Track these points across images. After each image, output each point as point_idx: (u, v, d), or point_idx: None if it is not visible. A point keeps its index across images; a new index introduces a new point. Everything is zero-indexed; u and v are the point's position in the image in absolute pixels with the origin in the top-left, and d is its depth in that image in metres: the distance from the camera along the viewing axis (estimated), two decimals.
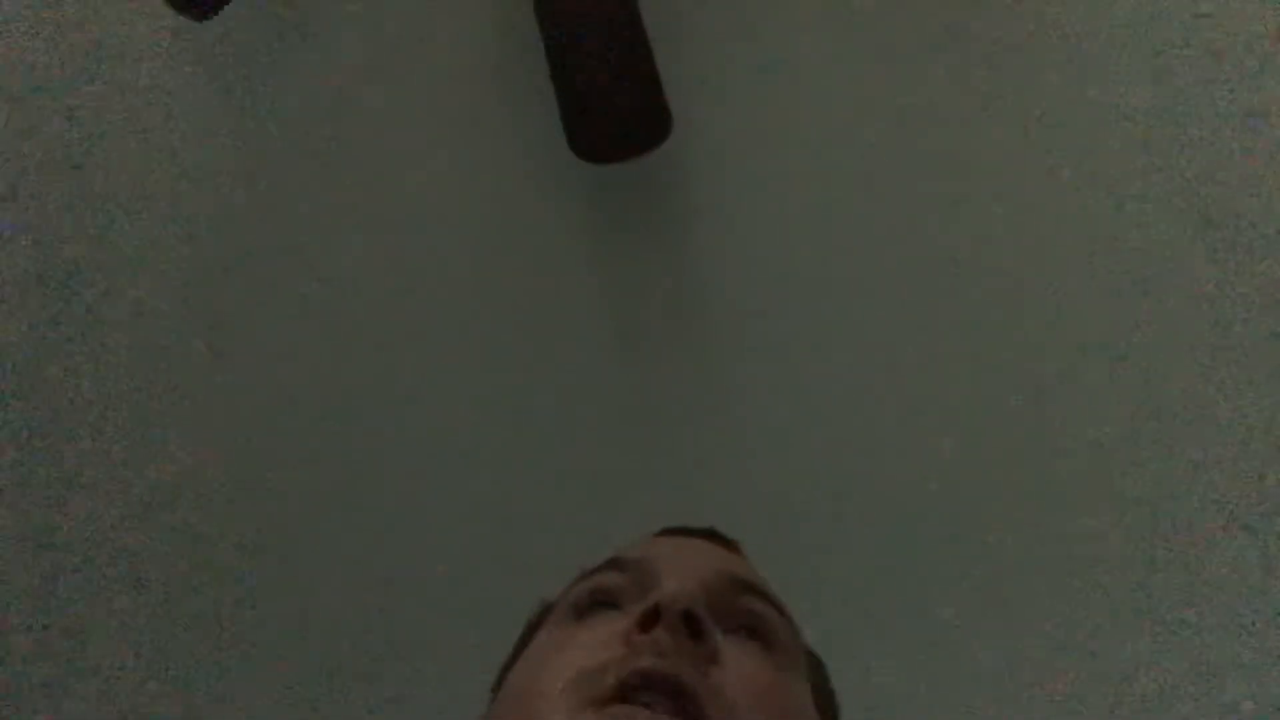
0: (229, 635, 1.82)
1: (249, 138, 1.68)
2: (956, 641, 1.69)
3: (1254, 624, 1.64)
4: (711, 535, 0.78)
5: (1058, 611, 1.67)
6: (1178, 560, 1.64)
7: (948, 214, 1.60)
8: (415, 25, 1.61)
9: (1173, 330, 1.60)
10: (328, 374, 1.74)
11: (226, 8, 1.52)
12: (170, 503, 1.79)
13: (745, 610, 0.69)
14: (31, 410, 1.78)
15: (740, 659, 0.65)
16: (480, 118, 1.64)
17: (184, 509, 1.80)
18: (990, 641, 1.69)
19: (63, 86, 1.67)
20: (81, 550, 1.81)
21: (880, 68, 1.59)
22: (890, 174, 1.60)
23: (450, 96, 1.64)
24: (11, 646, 1.83)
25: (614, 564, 0.72)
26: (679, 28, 1.57)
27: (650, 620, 0.62)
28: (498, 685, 0.74)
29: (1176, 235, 1.58)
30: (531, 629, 0.75)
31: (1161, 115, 1.55)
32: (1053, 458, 1.64)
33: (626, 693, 0.59)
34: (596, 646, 0.64)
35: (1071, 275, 1.60)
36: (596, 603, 0.70)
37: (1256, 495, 1.62)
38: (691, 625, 0.62)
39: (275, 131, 1.68)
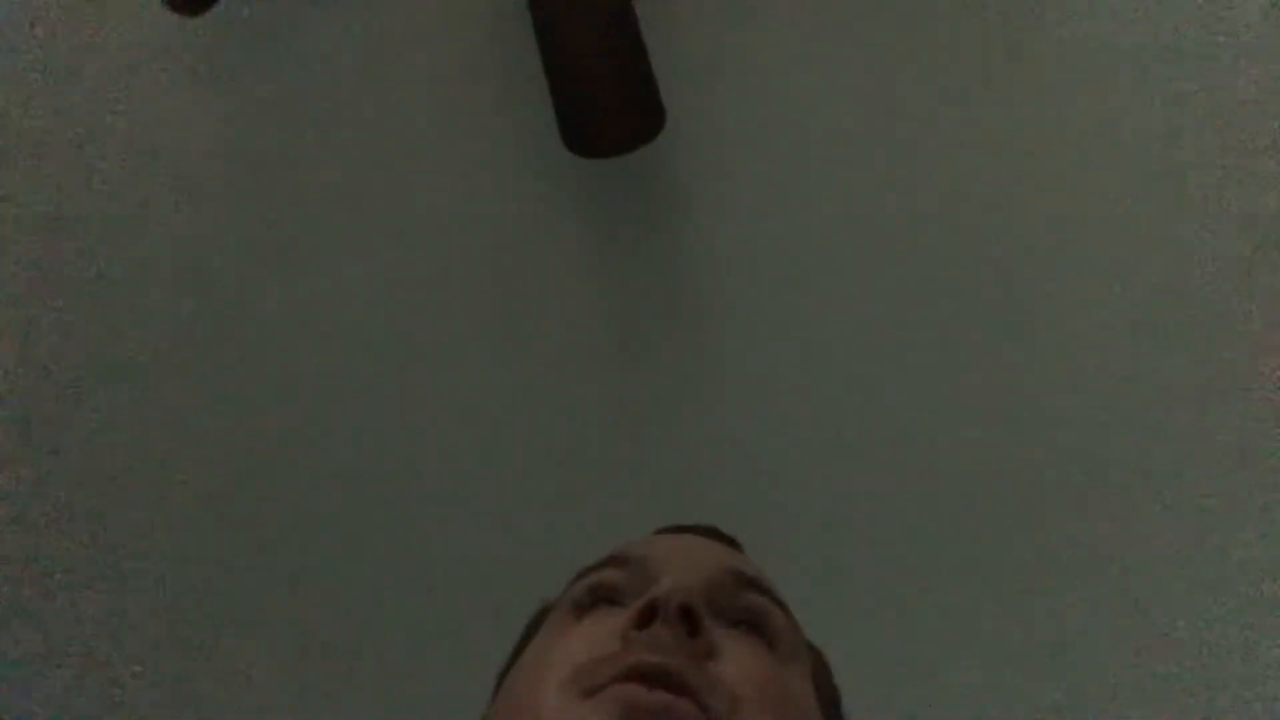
0: (230, 637, 1.82)
1: (241, 135, 1.68)
2: (955, 639, 1.70)
3: (1255, 627, 1.64)
4: (712, 533, 0.78)
5: (1057, 611, 1.68)
6: (1179, 562, 1.64)
7: (944, 208, 1.60)
8: (409, 20, 1.61)
9: (1176, 326, 1.60)
10: (321, 371, 1.73)
11: (219, 6, 1.52)
12: (167, 507, 1.79)
13: (746, 605, 0.69)
14: (30, 401, 1.78)
15: (740, 653, 0.65)
16: (474, 112, 1.64)
17: (180, 514, 1.79)
18: (989, 640, 1.69)
19: (57, 83, 1.66)
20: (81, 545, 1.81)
21: (873, 62, 1.59)
22: (885, 168, 1.60)
23: (444, 91, 1.63)
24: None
25: (614, 561, 0.72)
26: (672, 22, 1.56)
27: (647, 616, 0.63)
28: (497, 685, 0.74)
29: (1174, 235, 1.58)
30: (531, 629, 0.75)
31: (1157, 123, 1.55)
32: (1054, 456, 1.64)
33: (622, 683, 0.59)
34: (594, 642, 0.64)
35: (1072, 270, 1.60)
36: (596, 599, 0.70)
37: (1260, 494, 1.62)
38: (688, 620, 0.62)
39: (265, 128, 1.68)
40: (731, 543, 0.78)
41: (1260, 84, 1.52)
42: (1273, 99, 1.53)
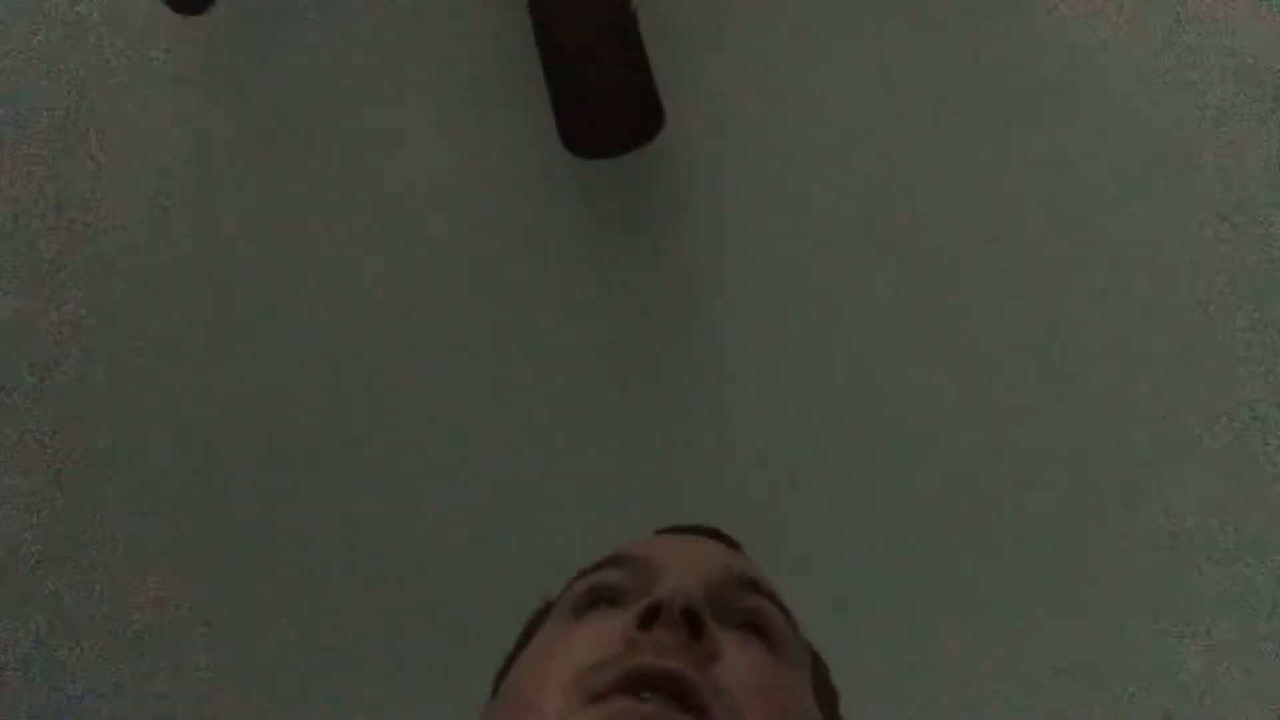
0: (226, 636, 1.82)
1: (240, 134, 1.68)
2: (953, 641, 1.69)
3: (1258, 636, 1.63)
4: (713, 534, 0.78)
5: (1055, 611, 1.67)
6: (1179, 568, 1.63)
7: (941, 210, 1.60)
8: (410, 22, 1.61)
9: (1179, 326, 1.59)
10: (320, 372, 1.73)
11: (219, 5, 1.52)
12: (166, 506, 1.79)
13: (747, 607, 0.69)
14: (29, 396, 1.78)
15: (741, 655, 0.65)
16: (474, 113, 1.64)
17: (179, 513, 1.79)
18: (987, 642, 1.69)
19: (57, 81, 1.66)
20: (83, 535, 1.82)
21: (873, 62, 1.59)
22: (884, 168, 1.60)
23: (444, 92, 1.63)
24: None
25: (614, 561, 0.71)
26: (671, 23, 1.56)
27: (650, 618, 0.62)
28: (497, 684, 0.74)
29: (1177, 233, 1.57)
30: (531, 628, 0.75)
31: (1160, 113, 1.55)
32: (1057, 455, 1.64)
33: (626, 689, 0.58)
34: (596, 644, 0.64)
35: (1071, 270, 1.60)
36: (596, 600, 0.69)
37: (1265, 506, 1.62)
38: (691, 622, 0.62)
39: (265, 127, 1.68)
40: (732, 544, 0.78)
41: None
42: None
